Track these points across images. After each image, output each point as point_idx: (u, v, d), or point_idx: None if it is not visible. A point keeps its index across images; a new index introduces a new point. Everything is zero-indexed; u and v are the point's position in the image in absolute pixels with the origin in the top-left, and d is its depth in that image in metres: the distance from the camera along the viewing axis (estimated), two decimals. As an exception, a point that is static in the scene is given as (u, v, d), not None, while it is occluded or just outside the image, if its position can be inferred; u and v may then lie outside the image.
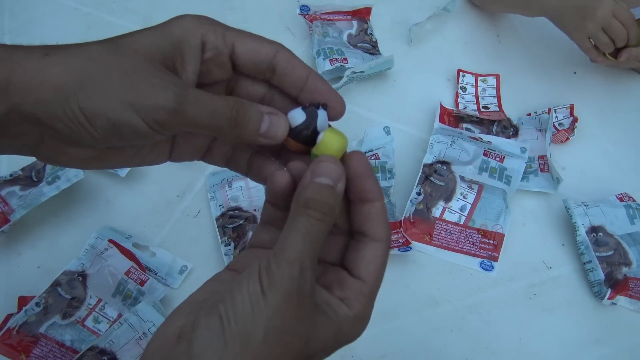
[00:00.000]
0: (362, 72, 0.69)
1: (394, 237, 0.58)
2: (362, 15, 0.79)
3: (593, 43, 0.69)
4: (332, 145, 0.25)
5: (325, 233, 0.24)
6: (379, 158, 0.63)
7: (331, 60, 0.69)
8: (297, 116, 0.27)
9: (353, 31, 0.76)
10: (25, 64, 0.23)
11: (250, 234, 0.58)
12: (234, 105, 0.26)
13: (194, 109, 0.25)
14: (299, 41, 0.79)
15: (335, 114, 0.30)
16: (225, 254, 0.57)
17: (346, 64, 0.69)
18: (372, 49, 0.75)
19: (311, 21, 0.76)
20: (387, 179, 0.62)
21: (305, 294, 0.23)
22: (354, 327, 0.26)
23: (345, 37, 0.75)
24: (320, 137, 0.25)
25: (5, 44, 0.25)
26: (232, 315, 0.22)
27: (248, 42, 0.28)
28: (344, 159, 0.26)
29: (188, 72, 0.27)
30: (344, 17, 0.77)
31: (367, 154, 0.63)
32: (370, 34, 0.77)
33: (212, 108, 0.25)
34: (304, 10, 0.77)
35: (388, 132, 0.65)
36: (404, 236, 0.58)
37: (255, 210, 0.60)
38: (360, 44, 0.75)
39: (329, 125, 0.27)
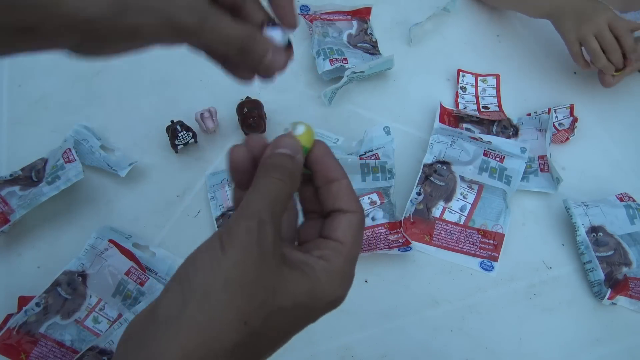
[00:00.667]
0: (362, 72, 0.69)
1: (394, 237, 0.58)
2: (362, 15, 0.79)
3: (584, 54, 0.70)
4: (302, 135, 0.28)
5: (285, 194, 0.26)
6: (379, 158, 0.63)
7: (331, 61, 0.69)
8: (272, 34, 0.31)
9: (353, 31, 0.76)
10: None
11: None
12: (247, 35, 0.29)
13: (210, 34, 0.28)
14: (299, 41, 0.79)
15: (288, 26, 0.32)
16: None
17: (346, 64, 0.69)
18: (372, 49, 0.75)
19: (311, 21, 0.76)
20: (387, 179, 0.62)
21: (266, 246, 0.23)
22: (332, 281, 0.26)
23: (345, 37, 0.75)
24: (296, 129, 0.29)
25: None
26: (192, 274, 0.23)
27: None
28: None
29: None
30: (344, 17, 0.77)
31: (367, 154, 0.63)
32: (370, 34, 0.77)
33: (226, 34, 0.29)
34: (304, 10, 0.77)
35: (388, 132, 0.65)
36: (403, 236, 0.58)
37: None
38: (360, 44, 0.75)
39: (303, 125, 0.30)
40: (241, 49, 0.30)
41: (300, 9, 0.77)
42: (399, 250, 0.57)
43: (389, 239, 0.57)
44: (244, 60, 0.30)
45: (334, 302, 0.27)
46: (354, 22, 0.77)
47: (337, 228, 0.27)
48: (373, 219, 0.60)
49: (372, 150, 0.64)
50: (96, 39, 0.27)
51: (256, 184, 0.26)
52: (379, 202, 0.61)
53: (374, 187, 0.62)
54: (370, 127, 0.65)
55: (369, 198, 0.61)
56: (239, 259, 0.23)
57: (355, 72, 0.68)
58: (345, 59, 0.70)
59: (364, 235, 0.58)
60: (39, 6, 0.25)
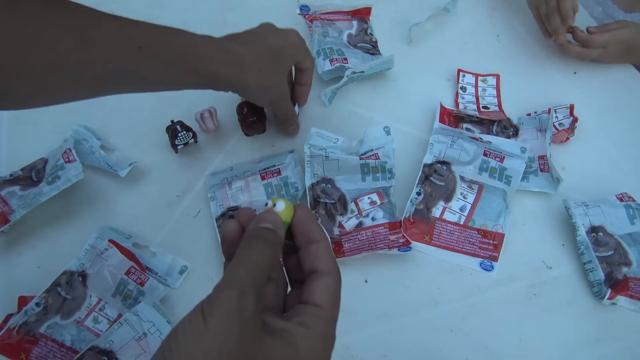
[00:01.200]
0: (362, 72, 0.69)
1: (394, 237, 0.58)
2: (362, 15, 0.79)
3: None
4: (282, 211, 0.30)
5: (266, 264, 0.26)
6: (379, 158, 0.63)
7: (331, 60, 0.69)
8: None
9: (353, 31, 0.76)
10: (248, 72, 0.50)
11: None
12: (293, 114, 0.63)
13: (285, 111, 0.61)
14: (299, 41, 0.78)
15: (300, 105, 0.64)
16: None
17: (346, 64, 0.69)
18: (372, 49, 0.75)
19: (311, 21, 0.76)
20: (387, 179, 0.62)
21: (247, 315, 0.24)
22: (313, 347, 0.26)
23: (345, 37, 0.75)
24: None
25: (235, 46, 0.50)
26: (174, 347, 0.23)
27: (307, 61, 0.58)
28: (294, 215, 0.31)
29: (288, 71, 0.57)
30: (344, 17, 0.77)
31: (367, 154, 0.63)
32: (370, 33, 0.77)
33: (288, 112, 0.61)
34: (304, 10, 0.77)
35: (388, 132, 0.65)
36: (403, 236, 0.58)
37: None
38: (360, 44, 0.75)
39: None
40: (286, 120, 0.63)
41: (300, 8, 0.77)
42: (399, 250, 0.57)
43: (389, 239, 0.57)
44: (283, 125, 0.64)
45: None
46: (354, 22, 0.77)
47: (314, 290, 0.28)
48: (373, 219, 0.60)
49: (372, 150, 0.64)
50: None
51: (239, 254, 0.27)
52: (379, 202, 0.61)
53: (374, 187, 0.62)
54: (370, 127, 0.65)
55: (369, 198, 0.61)
56: (219, 328, 0.23)
57: (355, 72, 0.68)
58: (345, 59, 0.70)
59: (364, 235, 0.58)
60: (232, 87, 0.52)
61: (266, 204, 0.31)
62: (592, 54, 0.76)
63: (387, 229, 0.58)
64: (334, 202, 0.60)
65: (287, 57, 0.55)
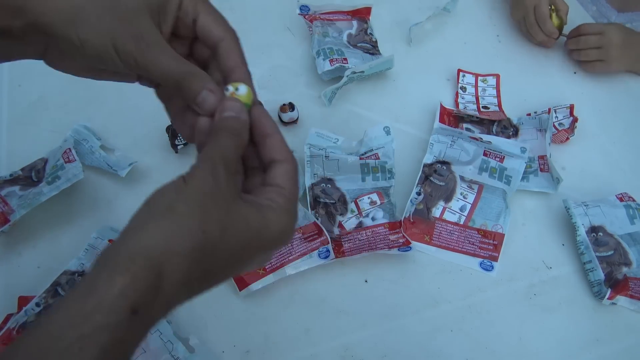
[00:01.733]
0: (362, 72, 0.69)
1: (394, 237, 0.58)
2: (362, 15, 0.79)
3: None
4: (244, 95, 0.33)
5: (235, 146, 0.31)
6: (379, 158, 0.63)
7: (331, 61, 0.69)
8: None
9: (353, 31, 0.76)
10: None
11: None
12: (184, 72, 0.32)
13: (151, 66, 0.32)
14: (299, 41, 0.79)
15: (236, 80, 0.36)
16: None
17: (346, 64, 0.69)
18: (372, 48, 0.75)
19: (311, 21, 0.76)
20: (387, 179, 0.62)
21: (219, 183, 0.28)
22: (279, 216, 0.30)
23: (345, 37, 0.75)
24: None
25: None
26: (157, 197, 0.27)
27: (208, 19, 0.34)
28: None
29: (167, 24, 0.34)
30: (343, 17, 0.77)
31: (367, 154, 0.63)
32: (370, 33, 0.77)
33: (163, 68, 0.32)
34: (304, 10, 0.77)
35: (388, 132, 0.65)
36: (403, 236, 0.58)
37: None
38: (360, 44, 0.75)
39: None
40: (176, 82, 0.32)
41: (300, 9, 0.77)
42: (399, 250, 0.57)
43: (389, 239, 0.57)
44: (180, 95, 0.33)
45: (283, 232, 0.30)
46: (354, 22, 0.77)
47: (275, 176, 0.32)
48: (373, 218, 0.60)
49: (372, 150, 0.64)
50: (55, 47, 0.32)
51: (210, 141, 0.30)
52: (379, 202, 0.61)
53: (374, 187, 0.62)
54: (370, 127, 0.65)
55: (369, 198, 0.61)
56: (198, 185, 0.27)
57: (355, 72, 0.68)
58: (345, 59, 0.70)
59: (364, 235, 0.58)
60: (5, 8, 0.30)
61: (227, 89, 0.32)
62: (590, 55, 0.76)
63: (387, 229, 0.58)
64: (334, 202, 0.60)
65: None
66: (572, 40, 0.77)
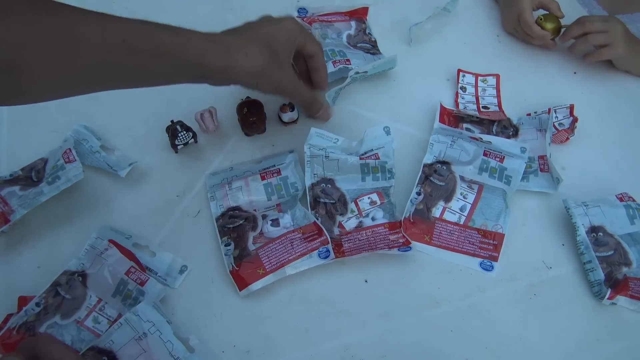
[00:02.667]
0: (366, 72, 0.69)
1: (393, 237, 0.58)
2: (359, 15, 0.79)
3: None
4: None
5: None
6: (379, 158, 0.63)
7: (334, 62, 0.69)
8: None
9: (352, 32, 0.76)
10: (236, 57, 0.50)
11: (250, 234, 0.58)
12: (312, 98, 0.63)
13: (298, 96, 0.60)
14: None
15: (320, 89, 0.64)
16: (225, 254, 0.57)
17: (349, 65, 0.69)
18: (372, 48, 0.75)
19: (310, 23, 0.76)
20: (387, 179, 0.62)
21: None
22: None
23: (344, 38, 0.75)
24: None
25: (222, 35, 0.52)
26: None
27: (310, 44, 0.58)
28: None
29: (290, 57, 0.57)
30: (341, 18, 0.77)
31: (367, 154, 0.63)
32: (369, 33, 0.77)
33: (303, 96, 0.60)
34: (302, 13, 0.77)
35: (388, 132, 0.65)
36: (403, 236, 0.58)
37: (255, 210, 0.60)
38: (360, 44, 0.75)
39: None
40: (308, 105, 0.64)
41: (298, 11, 0.77)
42: (399, 250, 0.57)
43: (389, 239, 0.57)
44: (306, 111, 0.67)
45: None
46: (352, 23, 0.77)
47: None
48: (373, 218, 0.60)
49: (372, 150, 0.64)
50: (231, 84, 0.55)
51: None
52: (379, 202, 0.61)
53: (374, 187, 0.62)
54: (370, 127, 0.65)
55: (369, 198, 0.61)
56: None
57: (358, 72, 0.68)
58: (348, 60, 0.70)
59: (364, 235, 0.58)
60: (214, 70, 0.50)
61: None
62: (597, 38, 0.74)
63: (387, 229, 0.58)
64: (334, 202, 0.60)
65: (282, 42, 0.55)
66: (575, 25, 0.75)
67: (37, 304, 0.52)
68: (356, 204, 0.60)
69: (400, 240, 0.57)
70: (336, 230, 0.59)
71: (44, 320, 0.51)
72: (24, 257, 0.58)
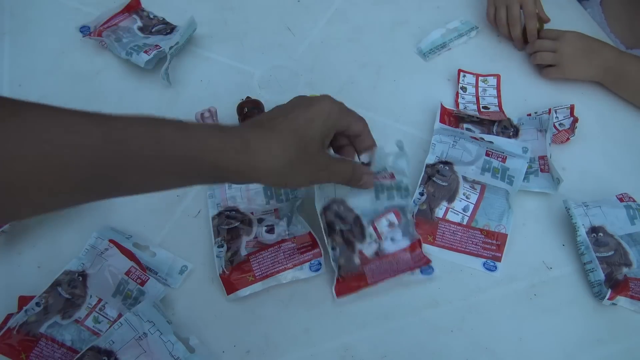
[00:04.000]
0: (177, 43, 0.72)
1: (413, 254, 0.58)
2: (134, 8, 0.79)
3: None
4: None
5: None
6: (394, 178, 0.59)
7: (146, 51, 0.70)
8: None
9: (139, 23, 0.77)
10: (256, 155, 0.41)
11: (244, 238, 0.57)
12: (349, 173, 0.51)
13: (335, 179, 0.51)
14: (299, 41, 0.79)
15: (369, 150, 0.54)
16: (217, 256, 0.56)
17: (160, 48, 0.71)
18: (166, 26, 0.77)
19: (99, 35, 0.74)
20: (404, 197, 0.59)
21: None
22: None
23: (138, 32, 0.76)
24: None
25: (241, 127, 0.46)
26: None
27: (355, 124, 0.51)
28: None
29: (326, 144, 0.49)
30: (122, 17, 0.78)
31: (381, 174, 0.59)
32: (155, 16, 0.79)
33: (342, 177, 0.51)
34: (85, 31, 0.75)
35: (402, 147, 0.59)
36: (422, 252, 0.57)
37: (252, 213, 0.60)
38: (154, 29, 0.77)
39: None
40: (347, 180, 0.51)
41: (81, 31, 0.75)
42: (422, 274, 0.56)
43: (409, 259, 0.57)
44: (349, 184, 0.52)
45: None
46: (134, 16, 0.78)
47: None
48: (392, 239, 0.57)
49: (386, 169, 0.59)
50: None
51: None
52: (397, 223, 0.58)
53: (389, 206, 0.58)
54: (380, 144, 0.56)
55: (387, 220, 0.57)
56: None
57: (172, 47, 0.70)
58: (157, 45, 0.71)
59: (386, 263, 0.57)
60: (231, 171, 0.41)
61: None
62: (544, 58, 0.76)
63: (409, 252, 0.57)
64: (349, 227, 0.56)
65: (318, 129, 0.46)
66: (530, 43, 0.78)
67: (38, 304, 0.51)
68: (374, 228, 0.57)
69: (420, 257, 0.57)
70: (356, 260, 0.56)
71: (44, 320, 0.51)
72: (24, 256, 0.58)
